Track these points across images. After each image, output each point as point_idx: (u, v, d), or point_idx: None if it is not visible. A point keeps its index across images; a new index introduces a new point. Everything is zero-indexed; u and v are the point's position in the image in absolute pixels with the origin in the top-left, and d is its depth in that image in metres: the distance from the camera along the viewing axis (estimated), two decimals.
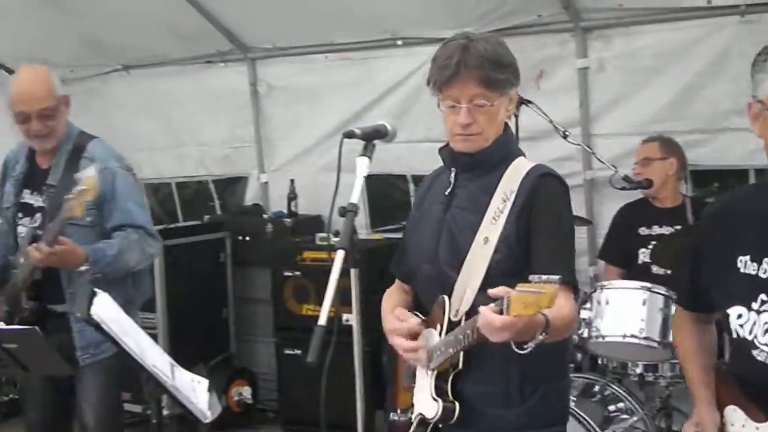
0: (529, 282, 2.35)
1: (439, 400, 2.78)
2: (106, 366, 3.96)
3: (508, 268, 2.75)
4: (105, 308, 2.57)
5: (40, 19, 6.43)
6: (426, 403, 2.84)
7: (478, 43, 2.81)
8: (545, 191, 2.82)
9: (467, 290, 2.78)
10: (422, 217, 3.05)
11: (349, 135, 2.64)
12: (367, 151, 2.65)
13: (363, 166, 2.60)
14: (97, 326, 2.51)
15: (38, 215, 4.10)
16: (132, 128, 7.21)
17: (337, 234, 2.63)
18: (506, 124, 2.96)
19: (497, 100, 2.81)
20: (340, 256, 2.46)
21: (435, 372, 2.83)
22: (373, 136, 2.68)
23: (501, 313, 2.38)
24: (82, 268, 3.85)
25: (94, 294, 2.61)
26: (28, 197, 4.18)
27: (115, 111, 7.25)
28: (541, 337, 2.49)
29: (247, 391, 6.43)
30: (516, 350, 2.53)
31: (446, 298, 2.82)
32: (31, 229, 4.04)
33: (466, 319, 2.74)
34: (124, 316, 2.68)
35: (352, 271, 2.56)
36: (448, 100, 2.83)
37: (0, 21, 6.48)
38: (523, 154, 2.98)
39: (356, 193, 2.56)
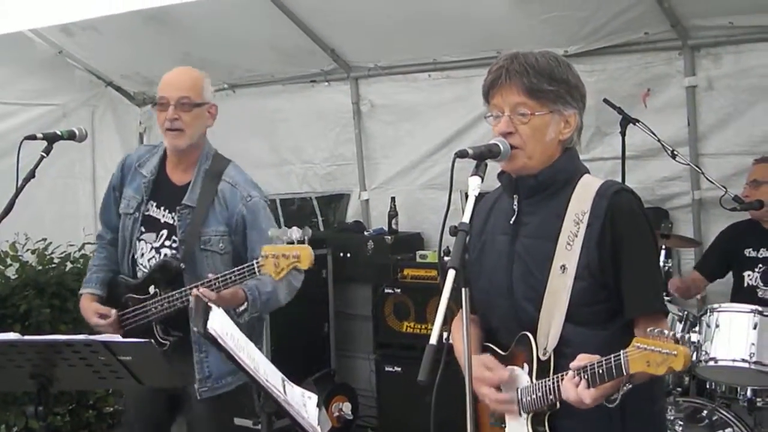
0: (649, 337, 2.32)
1: None
2: (224, 401, 3.88)
3: (593, 296, 2.66)
4: (220, 323, 2.61)
5: (146, 39, 6.58)
6: None
7: (530, 55, 2.72)
8: (625, 210, 2.68)
9: (552, 325, 2.67)
10: (485, 247, 2.92)
11: (462, 155, 2.56)
12: (479, 171, 2.56)
13: (475, 186, 2.52)
14: (214, 341, 2.56)
15: (164, 232, 3.94)
16: (237, 146, 7.27)
17: (447, 253, 2.60)
18: (568, 148, 2.80)
19: (541, 111, 2.69)
20: (451, 275, 2.38)
21: (530, 415, 2.73)
22: (485, 156, 2.62)
23: (588, 384, 2.45)
24: (242, 308, 3.70)
25: (209, 309, 2.65)
26: (154, 210, 3.99)
27: (221, 129, 7.31)
28: (626, 388, 2.45)
29: (347, 407, 6.47)
30: (606, 404, 2.50)
31: (530, 336, 2.71)
32: (170, 259, 3.86)
33: (555, 357, 2.67)
34: (238, 331, 2.71)
35: (464, 291, 2.54)
36: (492, 110, 2.75)
37: (107, 40, 6.65)
38: (588, 171, 2.83)
39: (468, 213, 2.51)
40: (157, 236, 3.96)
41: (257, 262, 3.48)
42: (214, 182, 3.94)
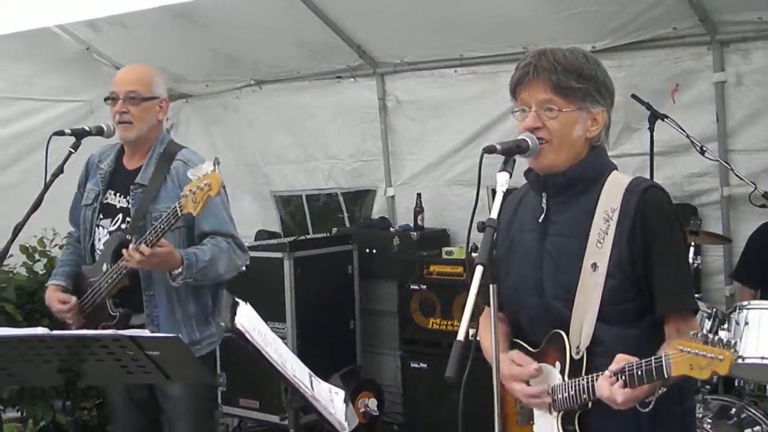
0: (692, 340, 2.30)
1: None
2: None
3: (625, 294, 2.65)
4: (247, 318, 2.61)
5: (173, 35, 6.61)
6: None
7: (558, 51, 2.71)
8: (656, 207, 2.67)
9: (584, 324, 2.66)
10: (512, 244, 2.90)
11: (490, 150, 2.56)
12: (508, 167, 2.56)
13: (503, 182, 2.51)
14: (241, 336, 2.56)
15: (119, 216, 4.05)
16: (264, 142, 7.40)
17: (475, 249, 2.59)
18: (596, 146, 2.78)
19: (569, 108, 2.68)
20: (479, 271, 2.38)
21: (560, 413, 2.73)
22: (514, 152, 2.61)
23: (624, 385, 2.44)
24: (176, 271, 3.81)
25: (236, 304, 2.65)
26: (111, 198, 4.12)
27: (248, 125, 7.44)
28: (660, 392, 2.46)
29: (373, 403, 6.46)
30: (640, 408, 2.50)
31: (563, 334, 2.71)
32: (117, 234, 3.96)
33: (587, 355, 2.67)
34: (264, 326, 2.71)
35: (491, 287, 2.53)
36: (519, 106, 2.74)
37: (134, 36, 6.68)
38: (616, 168, 2.81)
39: (496, 209, 2.51)
40: (113, 221, 4.08)
41: (178, 203, 3.57)
42: (167, 162, 4.05)
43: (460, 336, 2.29)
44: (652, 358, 2.42)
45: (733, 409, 4.63)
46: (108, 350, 2.95)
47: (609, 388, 2.48)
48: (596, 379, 2.57)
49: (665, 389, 2.46)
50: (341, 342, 6.66)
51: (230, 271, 4.05)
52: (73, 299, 4.07)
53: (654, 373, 2.41)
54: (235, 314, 2.59)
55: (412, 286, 6.23)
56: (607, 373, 2.51)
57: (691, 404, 2.94)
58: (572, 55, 2.71)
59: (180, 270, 3.81)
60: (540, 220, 2.81)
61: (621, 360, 2.49)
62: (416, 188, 6.75)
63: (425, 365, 6.15)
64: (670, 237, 2.68)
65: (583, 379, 2.64)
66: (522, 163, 2.76)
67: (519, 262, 2.86)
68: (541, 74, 2.68)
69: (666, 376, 2.39)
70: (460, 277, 5.98)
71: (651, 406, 2.48)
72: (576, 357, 2.68)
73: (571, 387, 2.67)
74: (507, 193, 2.54)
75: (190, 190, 3.52)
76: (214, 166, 3.51)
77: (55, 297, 4.14)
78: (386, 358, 6.86)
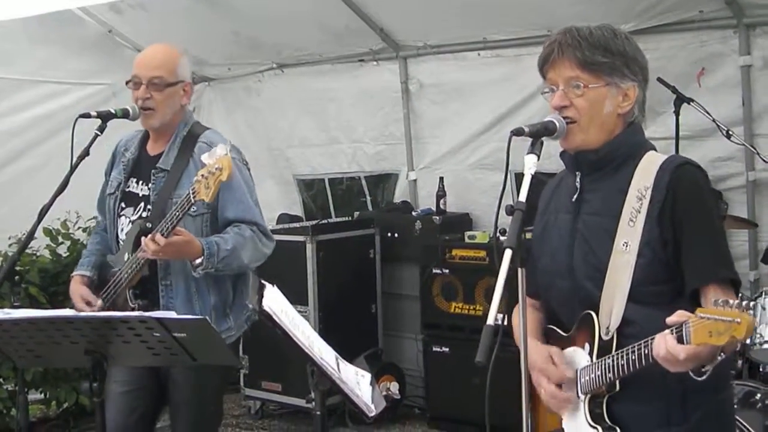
0: (714, 307, 2.22)
1: (598, 427, 2.62)
2: (204, 369, 3.58)
3: (657, 274, 2.59)
4: (275, 300, 2.61)
5: (195, 18, 6.59)
6: (581, 430, 2.68)
7: (585, 28, 2.68)
8: (687, 182, 2.61)
9: (614, 304, 2.61)
10: (547, 226, 2.87)
11: (518, 133, 2.54)
12: (535, 149, 2.54)
13: (531, 164, 2.49)
14: (269, 318, 2.56)
15: (141, 204, 3.93)
16: (286, 125, 7.40)
17: (504, 233, 2.57)
18: (632, 123, 2.74)
19: (596, 84, 2.64)
20: (507, 255, 2.35)
21: (588, 396, 2.67)
22: (541, 134, 2.58)
23: (681, 340, 2.28)
24: (197, 261, 3.68)
25: (263, 287, 2.65)
26: (134, 186, 4.00)
27: (270, 108, 7.44)
28: (719, 358, 2.33)
29: (394, 387, 6.47)
30: (694, 377, 2.37)
31: (593, 314, 2.65)
32: (138, 222, 3.84)
33: (617, 337, 2.60)
34: (291, 308, 2.71)
35: (520, 271, 2.51)
36: (548, 85, 2.71)
37: (156, 18, 6.67)
38: (654, 148, 2.76)
39: (524, 192, 2.49)
40: (135, 209, 3.97)
41: (192, 188, 3.48)
42: (190, 146, 3.92)
43: (490, 320, 2.27)
44: (674, 327, 2.32)
45: (758, 395, 4.59)
46: (135, 332, 2.95)
47: (665, 345, 2.33)
48: (622, 357, 2.50)
49: (724, 356, 2.32)
50: (363, 326, 6.68)
51: (255, 260, 3.92)
52: (99, 302, 3.97)
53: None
54: (262, 297, 2.59)
55: (434, 270, 6.23)
56: (666, 331, 2.37)
57: (727, 395, 2.80)
58: (599, 31, 2.68)
59: (201, 260, 3.68)
60: (573, 200, 2.78)
61: (682, 315, 2.33)
62: (439, 172, 6.74)
63: (447, 349, 6.14)
64: (700, 211, 2.60)
65: (609, 358, 2.57)
66: (554, 146, 2.74)
67: (553, 243, 2.83)
68: (566, 51, 2.65)
69: (686, 344, 2.27)
70: (483, 261, 5.97)
71: (707, 375, 2.36)
72: (605, 338, 2.62)
73: (598, 368, 2.61)
74: (534, 177, 2.52)
75: (203, 175, 3.43)
76: (227, 150, 3.43)
77: (78, 292, 4.05)
78: (408, 342, 6.86)
